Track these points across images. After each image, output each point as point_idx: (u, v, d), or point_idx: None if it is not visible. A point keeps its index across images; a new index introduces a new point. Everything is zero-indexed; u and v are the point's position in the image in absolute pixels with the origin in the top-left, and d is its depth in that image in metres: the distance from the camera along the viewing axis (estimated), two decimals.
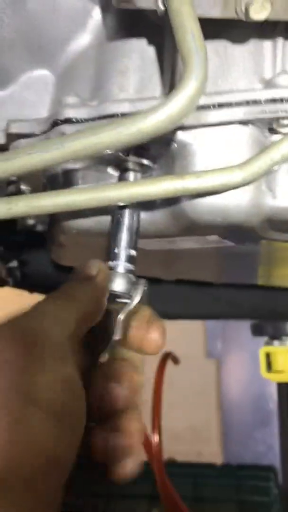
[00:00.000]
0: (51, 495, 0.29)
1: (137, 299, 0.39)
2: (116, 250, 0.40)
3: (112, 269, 0.40)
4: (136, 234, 0.41)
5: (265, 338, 1.12)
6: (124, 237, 0.40)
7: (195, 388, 1.97)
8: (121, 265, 0.39)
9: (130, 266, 0.40)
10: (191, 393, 1.95)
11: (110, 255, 0.40)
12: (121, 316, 0.38)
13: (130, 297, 0.39)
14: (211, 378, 2.02)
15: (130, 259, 0.40)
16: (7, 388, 0.28)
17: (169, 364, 1.13)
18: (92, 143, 0.29)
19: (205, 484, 1.50)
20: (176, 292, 0.87)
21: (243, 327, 1.32)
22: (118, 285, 0.39)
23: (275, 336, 1.08)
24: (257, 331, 1.11)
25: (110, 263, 0.40)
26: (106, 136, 0.29)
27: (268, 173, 0.37)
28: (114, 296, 0.39)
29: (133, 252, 0.40)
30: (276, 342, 1.08)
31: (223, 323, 1.94)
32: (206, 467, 1.57)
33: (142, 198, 0.36)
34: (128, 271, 0.40)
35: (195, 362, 1.99)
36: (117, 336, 0.38)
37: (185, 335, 1.95)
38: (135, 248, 0.40)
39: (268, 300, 0.92)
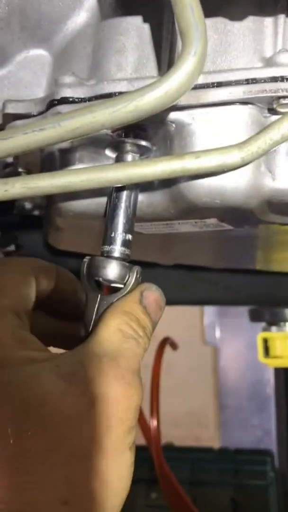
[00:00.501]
0: None
1: (131, 287, 0.38)
2: (112, 234, 0.39)
3: (107, 253, 0.39)
4: (133, 218, 0.40)
5: (263, 324, 1.12)
6: (120, 221, 0.39)
7: (193, 373, 1.98)
8: (117, 250, 0.39)
9: (126, 251, 0.39)
10: (189, 378, 1.96)
11: (105, 239, 0.39)
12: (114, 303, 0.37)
13: (124, 283, 0.38)
14: (209, 364, 2.03)
15: (126, 243, 0.39)
16: None
17: (168, 349, 1.13)
18: (89, 121, 0.28)
19: (203, 468, 1.51)
20: (174, 278, 0.87)
21: (241, 312, 1.32)
22: (112, 271, 0.38)
23: (273, 321, 1.08)
24: (255, 316, 1.11)
25: (106, 247, 0.39)
26: (103, 113, 0.28)
27: (267, 154, 0.36)
28: (108, 282, 0.38)
29: (129, 236, 0.39)
30: (274, 328, 1.08)
31: (221, 309, 1.95)
32: (204, 451, 1.58)
33: (140, 179, 0.35)
34: (124, 256, 0.39)
35: (193, 348, 2.00)
36: None
37: (183, 320, 1.95)
38: (131, 232, 0.40)
39: (266, 286, 0.92)
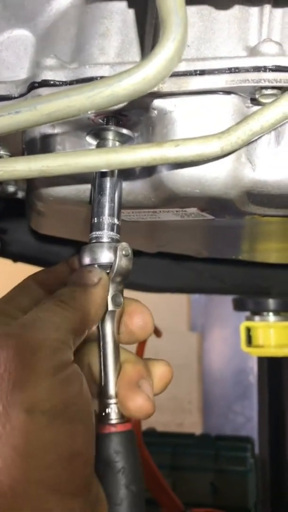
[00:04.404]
0: (81, 486, 0.30)
1: (117, 266, 0.38)
2: (98, 220, 0.39)
3: (96, 240, 0.39)
4: (119, 203, 0.40)
5: (246, 313, 1.13)
6: (106, 206, 0.39)
7: (178, 360, 2.00)
8: (105, 235, 0.39)
9: (114, 235, 0.39)
10: (174, 365, 1.97)
11: (92, 225, 0.39)
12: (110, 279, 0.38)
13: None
14: (193, 351, 2.05)
15: (113, 227, 0.39)
16: (4, 402, 0.28)
17: (153, 336, 1.14)
18: (65, 105, 0.28)
19: (184, 454, 1.53)
20: (159, 265, 0.87)
21: (226, 301, 1.33)
22: (105, 256, 0.38)
23: (256, 311, 1.09)
24: (238, 306, 1.11)
25: (94, 233, 0.39)
26: (80, 98, 0.28)
27: (248, 144, 0.36)
28: (103, 267, 0.38)
29: (116, 221, 0.39)
30: (257, 317, 1.09)
31: (208, 298, 1.96)
32: (185, 437, 1.60)
33: (119, 166, 0.35)
34: (113, 241, 0.39)
35: (179, 335, 2.01)
36: (110, 307, 0.38)
37: (170, 308, 1.96)
38: (118, 217, 0.40)
39: (251, 276, 0.92)
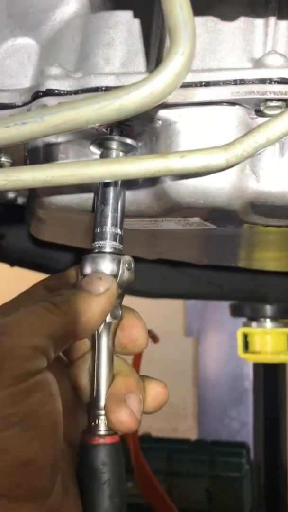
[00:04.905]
0: (31, 493, 0.30)
1: (119, 279, 0.38)
2: (101, 229, 0.39)
3: (98, 249, 0.39)
4: (122, 212, 0.40)
5: (243, 319, 1.13)
6: (109, 215, 0.39)
7: (173, 365, 1.99)
8: (108, 244, 0.39)
9: (117, 245, 0.39)
10: (170, 370, 1.97)
11: (95, 235, 0.39)
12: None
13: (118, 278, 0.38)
14: (189, 356, 2.04)
15: (116, 237, 0.39)
16: None
17: (149, 341, 1.14)
18: (72, 117, 0.28)
19: (179, 459, 1.53)
20: (157, 271, 0.87)
21: (223, 307, 1.33)
22: (107, 267, 0.38)
23: (253, 317, 1.09)
24: (235, 312, 1.12)
25: (96, 243, 0.39)
26: (88, 110, 0.28)
27: (252, 156, 0.36)
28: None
29: (119, 231, 0.39)
30: (254, 324, 1.09)
31: (203, 303, 1.96)
32: (181, 443, 1.60)
33: (124, 177, 0.35)
34: (115, 251, 0.39)
35: (175, 340, 2.01)
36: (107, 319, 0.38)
37: (166, 313, 1.96)
38: (121, 227, 0.40)
39: (248, 282, 0.92)
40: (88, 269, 0.38)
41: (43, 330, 0.33)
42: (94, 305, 0.36)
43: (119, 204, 0.40)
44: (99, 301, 0.36)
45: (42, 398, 0.32)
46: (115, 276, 0.38)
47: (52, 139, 0.40)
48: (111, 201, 0.39)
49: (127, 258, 0.39)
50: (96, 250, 0.39)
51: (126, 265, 0.38)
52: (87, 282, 0.37)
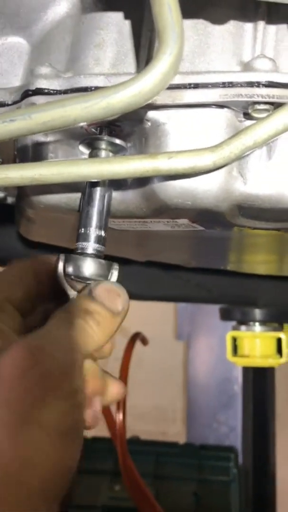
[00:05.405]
0: (62, 494, 0.32)
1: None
2: (85, 231, 0.39)
3: (81, 250, 0.39)
4: (107, 214, 0.40)
5: (233, 323, 1.13)
6: (94, 217, 0.39)
7: (163, 368, 1.99)
8: (91, 246, 0.39)
9: (100, 248, 0.39)
10: (159, 373, 1.97)
11: (78, 235, 0.39)
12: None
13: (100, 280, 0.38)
14: (179, 360, 2.04)
15: (99, 240, 0.39)
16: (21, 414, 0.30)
17: (139, 343, 1.14)
18: (60, 115, 0.28)
19: (167, 463, 1.53)
20: (147, 274, 0.87)
21: (213, 311, 1.34)
22: (88, 269, 0.38)
23: (243, 321, 1.09)
24: (225, 315, 1.12)
25: (79, 244, 0.39)
26: (75, 108, 0.28)
27: (240, 158, 0.36)
28: (83, 279, 0.38)
29: (103, 233, 0.39)
30: (243, 327, 1.09)
31: (194, 306, 1.96)
32: (169, 446, 1.59)
33: (112, 176, 0.35)
34: (97, 253, 0.39)
35: (164, 343, 2.01)
36: None
37: (156, 316, 1.96)
38: (105, 229, 0.40)
39: (237, 286, 0.93)
40: (69, 269, 0.38)
41: (84, 347, 0.35)
42: (114, 326, 0.37)
43: (105, 205, 0.40)
44: (117, 321, 0.37)
45: (82, 412, 0.34)
46: (93, 277, 0.38)
47: (42, 138, 0.40)
48: (97, 202, 0.39)
49: (116, 265, 0.39)
50: (79, 251, 0.39)
51: (113, 277, 0.39)
52: (106, 298, 0.37)
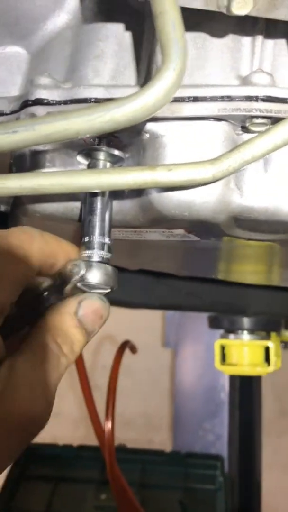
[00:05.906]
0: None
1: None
2: (89, 239, 0.39)
3: (87, 258, 0.38)
4: (110, 222, 0.40)
5: (220, 331, 1.14)
6: (97, 224, 0.39)
7: (150, 376, 1.99)
8: (96, 254, 0.38)
9: (106, 254, 0.39)
10: (146, 380, 1.97)
11: (83, 244, 0.39)
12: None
13: (105, 288, 0.38)
14: (166, 367, 2.04)
15: (104, 247, 0.39)
16: None
17: (127, 351, 1.13)
18: (63, 128, 0.28)
19: (153, 471, 1.52)
20: (138, 282, 0.87)
21: (201, 319, 1.34)
22: (94, 276, 0.37)
23: (231, 329, 1.10)
24: (213, 323, 1.12)
25: (84, 252, 0.39)
26: (78, 121, 0.28)
27: (237, 171, 0.37)
28: (90, 288, 0.38)
29: (107, 240, 0.39)
30: (231, 336, 1.10)
31: (182, 314, 1.96)
32: (155, 454, 1.59)
33: (111, 187, 0.35)
34: (104, 260, 0.39)
35: (152, 351, 2.01)
36: None
37: (143, 323, 1.96)
38: (109, 236, 0.40)
39: (227, 295, 0.93)
40: (76, 276, 0.38)
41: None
42: (83, 343, 0.37)
43: (107, 213, 0.40)
44: (85, 340, 0.37)
45: None
46: (111, 288, 0.38)
47: (40, 147, 0.40)
48: (98, 211, 0.39)
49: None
50: (85, 260, 0.39)
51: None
52: (90, 321, 0.37)
